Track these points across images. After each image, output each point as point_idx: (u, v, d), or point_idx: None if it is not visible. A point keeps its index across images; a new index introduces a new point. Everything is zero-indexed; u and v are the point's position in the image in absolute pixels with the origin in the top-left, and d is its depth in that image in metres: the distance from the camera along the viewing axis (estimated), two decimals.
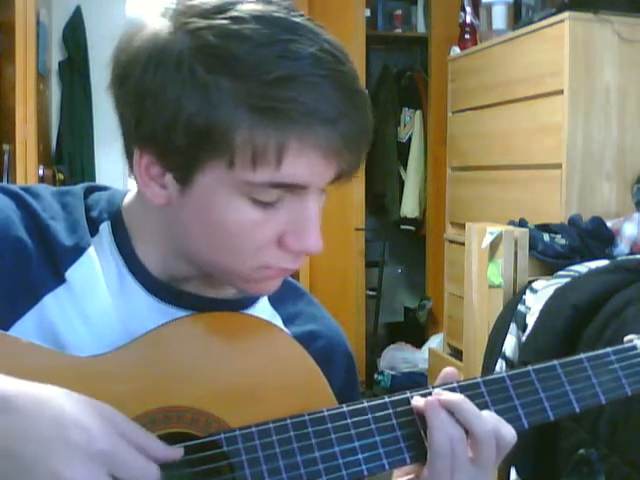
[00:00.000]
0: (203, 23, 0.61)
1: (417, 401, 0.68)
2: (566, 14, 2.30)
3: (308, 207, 0.65)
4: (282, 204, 0.65)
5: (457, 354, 2.77)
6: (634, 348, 0.76)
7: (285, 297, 0.81)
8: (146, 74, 0.62)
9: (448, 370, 0.72)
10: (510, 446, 0.67)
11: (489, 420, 0.66)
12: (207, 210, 0.65)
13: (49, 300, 0.69)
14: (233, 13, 0.61)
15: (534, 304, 1.89)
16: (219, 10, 0.61)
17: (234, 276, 0.69)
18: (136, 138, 0.65)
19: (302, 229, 0.65)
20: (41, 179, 2.69)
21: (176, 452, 0.60)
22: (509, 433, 0.67)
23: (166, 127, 0.62)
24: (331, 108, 0.61)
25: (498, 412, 0.69)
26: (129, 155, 0.68)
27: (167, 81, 0.61)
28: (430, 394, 0.69)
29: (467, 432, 0.66)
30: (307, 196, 0.65)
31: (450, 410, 0.66)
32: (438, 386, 0.70)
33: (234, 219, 0.64)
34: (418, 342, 3.86)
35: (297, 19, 0.63)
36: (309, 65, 0.60)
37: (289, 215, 0.65)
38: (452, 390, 0.69)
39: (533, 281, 2.01)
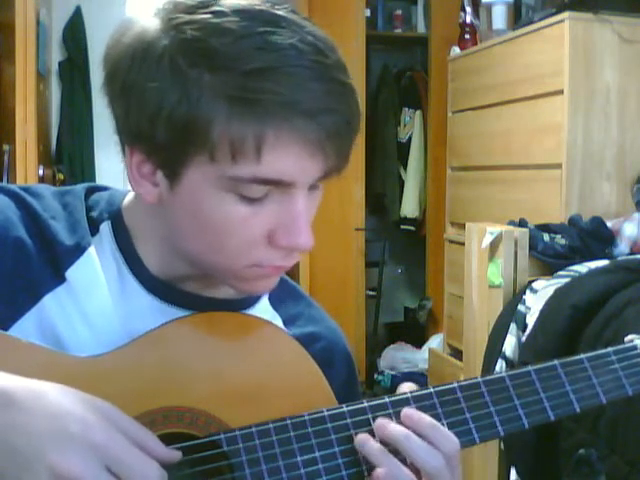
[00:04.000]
0: (186, 18, 0.61)
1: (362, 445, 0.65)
2: (566, 14, 2.30)
3: (296, 203, 0.64)
4: (269, 200, 0.64)
5: (457, 354, 2.77)
6: (635, 348, 0.76)
7: (285, 298, 0.81)
8: (132, 70, 0.62)
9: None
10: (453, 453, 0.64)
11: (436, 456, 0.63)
12: (196, 207, 0.64)
13: (49, 300, 0.68)
14: (215, 7, 0.61)
15: (534, 304, 1.89)
16: (203, 5, 0.62)
17: (228, 275, 0.69)
18: (126, 135, 0.65)
19: (291, 225, 0.64)
20: (41, 179, 2.69)
21: (175, 454, 0.60)
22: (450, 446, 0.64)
23: (150, 121, 0.61)
24: (311, 100, 0.59)
25: (498, 412, 0.69)
26: (124, 154, 0.68)
27: (150, 75, 0.61)
28: (430, 395, 0.69)
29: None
30: (294, 192, 0.64)
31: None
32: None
33: (222, 215, 0.64)
34: (418, 342, 3.86)
35: (280, 12, 0.62)
36: (289, 56, 0.59)
37: (277, 211, 0.64)
38: (452, 391, 0.69)
39: (533, 281, 2.01)
